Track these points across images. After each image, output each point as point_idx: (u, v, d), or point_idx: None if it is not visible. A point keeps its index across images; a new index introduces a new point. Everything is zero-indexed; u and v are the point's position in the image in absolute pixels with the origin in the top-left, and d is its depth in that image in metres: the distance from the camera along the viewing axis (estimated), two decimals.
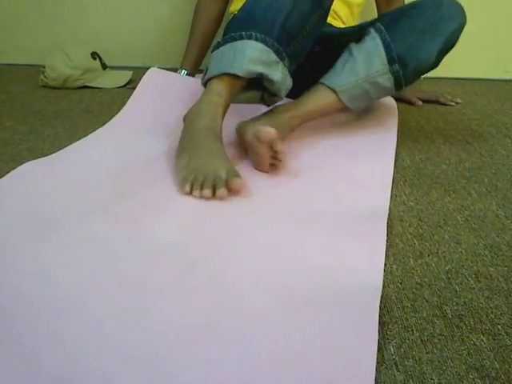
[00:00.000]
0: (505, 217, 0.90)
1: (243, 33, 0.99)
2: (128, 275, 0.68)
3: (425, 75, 1.16)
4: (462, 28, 1.12)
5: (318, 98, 1.09)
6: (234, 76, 0.98)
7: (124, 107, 1.30)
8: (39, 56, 1.76)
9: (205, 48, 1.56)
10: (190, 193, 0.87)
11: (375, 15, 1.62)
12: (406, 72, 1.09)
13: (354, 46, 1.12)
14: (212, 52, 1.04)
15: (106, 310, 0.61)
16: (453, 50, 1.14)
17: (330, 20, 1.40)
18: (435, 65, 1.13)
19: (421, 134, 1.32)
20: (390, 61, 1.08)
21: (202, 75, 1.06)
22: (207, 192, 0.85)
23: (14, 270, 0.68)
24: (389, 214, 0.88)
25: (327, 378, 0.53)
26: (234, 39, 1.00)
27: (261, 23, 1.00)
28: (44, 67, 1.68)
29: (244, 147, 1.03)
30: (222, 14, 1.57)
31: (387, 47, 1.08)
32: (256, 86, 1.07)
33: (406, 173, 1.07)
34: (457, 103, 1.60)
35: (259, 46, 0.98)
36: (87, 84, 1.69)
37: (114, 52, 1.89)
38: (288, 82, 1.07)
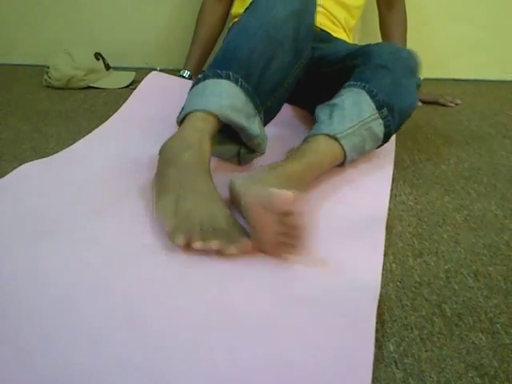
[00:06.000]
0: (503, 216, 0.91)
1: (230, 73, 0.91)
2: (127, 275, 0.68)
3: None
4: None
5: (320, 148, 0.93)
6: (215, 116, 0.88)
7: (121, 108, 1.30)
8: (43, 56, 1.76)
9: (208, 50, 1.57)
10: (187, 246, 0.71)
11: (376, 18, 1.63)
12: (393, 117, 1.00)
13: (330, 101, 1.00)
14: (192, 87, 0.95)
15: (103, 311, 0.61)
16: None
17: (329, 25, 1.40)
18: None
19: (420, 134, 1.33)
20: (378, 106, 0.98)
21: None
22: (216, 244, 0.70)
23: (12, 270, 0.68)
24: (388, 214, 0.89)
25: (325, 376, 0.53)
26: (220, 76, 0.91)
27: (242, 67, 0.92)
28: (48, 67, 1.68)
29: (239, 211, 0.81)
30: (225, 17, 1.58)
31: (370, 93, 0.98)
32: (231, 140, 0.97)
33: (406, 173, 1.08)
34: (456, 104, 1.60)
35: (242, 95, 0.91)
36: (91, 84, 1.70)
37: (117, 53, 1.89)
38: (265, 136, 0.97)
